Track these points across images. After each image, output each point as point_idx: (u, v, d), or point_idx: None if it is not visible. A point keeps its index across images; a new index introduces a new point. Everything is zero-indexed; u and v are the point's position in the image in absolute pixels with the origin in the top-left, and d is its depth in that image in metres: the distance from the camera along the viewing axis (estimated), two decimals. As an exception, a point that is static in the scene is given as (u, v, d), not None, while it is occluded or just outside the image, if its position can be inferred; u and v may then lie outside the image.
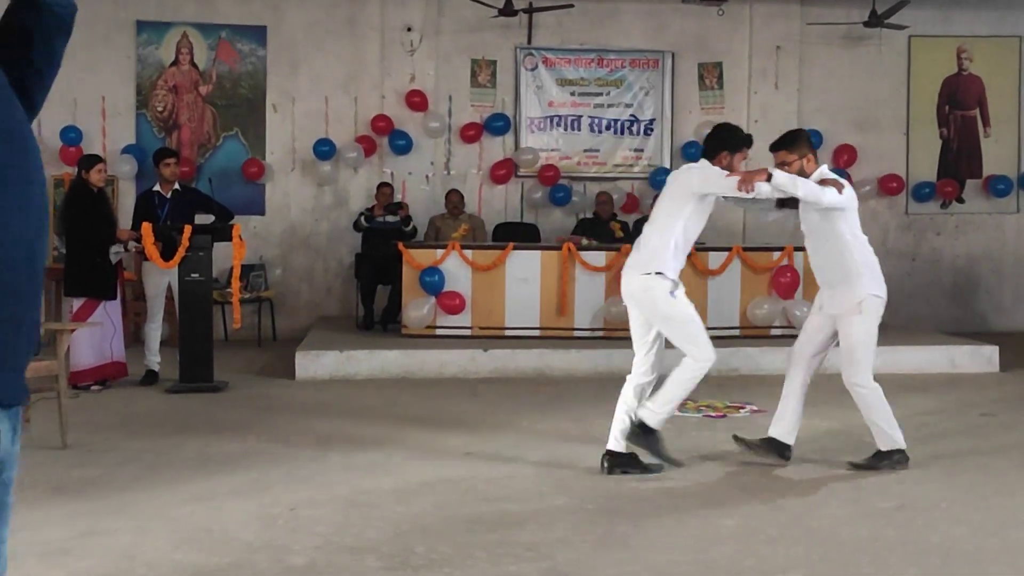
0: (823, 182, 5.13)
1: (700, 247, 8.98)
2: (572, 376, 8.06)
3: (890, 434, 5.16)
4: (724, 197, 5.16)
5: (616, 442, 5.12)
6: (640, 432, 5.01)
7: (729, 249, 8.98)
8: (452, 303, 8.71)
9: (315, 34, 10.57)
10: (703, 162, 5.17)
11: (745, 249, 9.10)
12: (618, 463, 5.10)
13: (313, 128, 10.53)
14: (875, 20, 9.96)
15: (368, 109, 10.62)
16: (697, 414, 6.65)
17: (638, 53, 10.97)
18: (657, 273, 5.01)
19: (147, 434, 6.01)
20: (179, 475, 5.04)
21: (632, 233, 10.06)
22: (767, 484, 4.92)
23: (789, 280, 8.92)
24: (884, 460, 5.14)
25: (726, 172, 5.05)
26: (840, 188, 5.09)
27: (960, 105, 11.32)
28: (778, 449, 5.28)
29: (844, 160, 10.84)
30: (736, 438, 5.37)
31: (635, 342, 5.15)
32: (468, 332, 8.77)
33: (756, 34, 10.95)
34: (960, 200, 11.27)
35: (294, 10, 10.55)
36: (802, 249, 8.96)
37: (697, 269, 8.70)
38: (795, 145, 5.28)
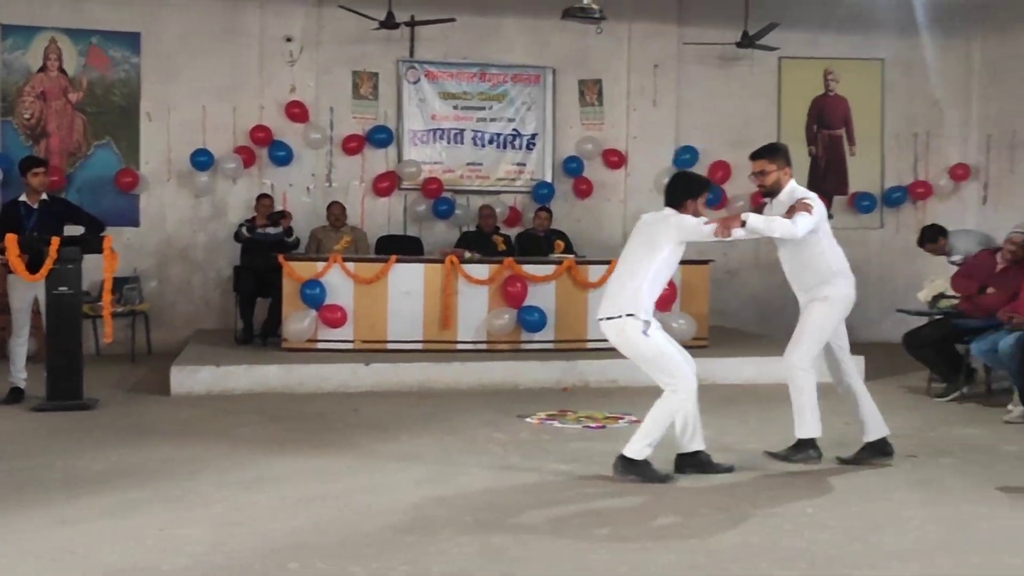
0: (793, 208, 5.35)
1: (581, 260, 9.15)
2: (455, 389, 8.07)
3: (813, 423, 5.44)
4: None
5: (689, 443, 5.34)
6: (625, 464, 5.18)
7: (608, 263, 9.11)
8: (333, 316, 8.63)
9: (191, 42, 10.35)
10: (670, 211, 5.31)
11: (624, 262, 9.25)
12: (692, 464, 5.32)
13: (190, 138, 10.31)
14: (747, 41, 10.29)
15: (247, 119, 10.46)
16: (577, 425, 6.73)
17: (520, 68, 11.08)
18: (628, 315, 5.16)
19: (12, 454, 5.76)
20: (46, 496, 4.85)
21: (514, 246, 10.17)
22: (642, 493, 5.01)
23: (667, 293, 9.09)
24: (801, 452, 5.45)
25: (703, 220, 5.26)
26: (810, 209, 5.33)
27: (827, 124, 11.79)
28: (881, 448, 5.58)
29: (720, 176, 11.15)
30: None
31: None
32: (350, 346, 8.69)
33: (634, 52, 11.20)
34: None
35: (169, 17, 10.32)
36: (681, 263, 9.31)
37: (576, 282, 8.84)
38: (775, 156, 5.53)
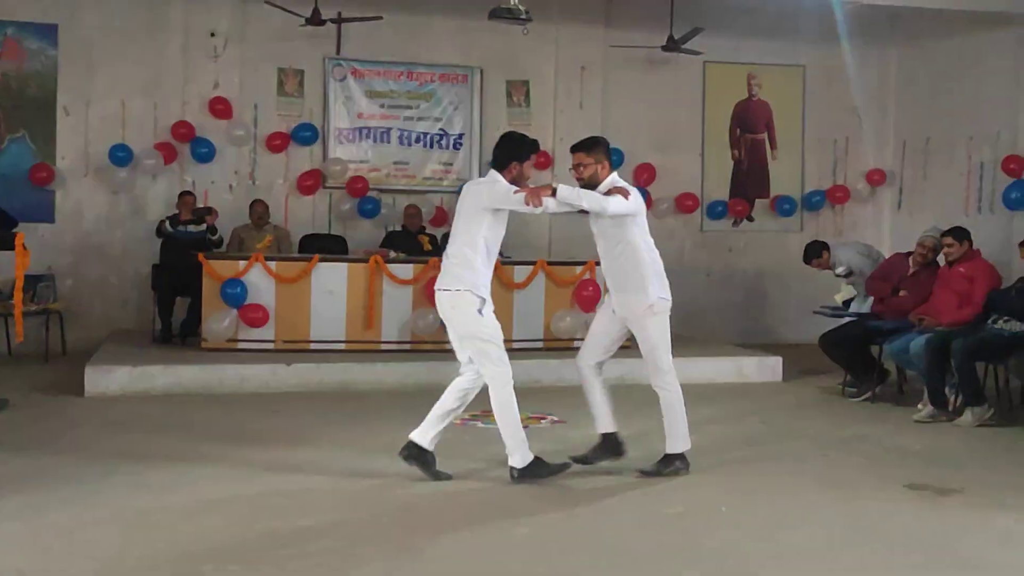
0: (611, 191, 5.28)
1: (506, 261, 9.15)
2: (378, 389, 8.03)
3: (681, 438, 5.41)
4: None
5: (422, 434, 5.22)
6: (521, 474, 5.14)
7: (534, 263, 9.18)
8: (255, 316, 8.52)
9: (112, 35, 10.14)
10: (493, 174, 5.26)
11: (549, 263, 9.32)
12: (415, 455, 5.23)
13: (109, 133, 10.09)
14: (672, 45, 10.41)
15: (169, 115, 10.27)
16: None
17: (448, 68, 11.07)
18: (465, 290, 5.11)
19: (-86, 456, 5.60)
20: (-52, 500, 4.73)
21: (440, 246, 10.15)
22: (561, 494, 5.05)
23: (591, 294, 9.18)
24: (669, 466, 5.39)
25: (514, 188, 5.16)
26: (626, 195, 5.25)
27: (750, 128, 12.00)
28: (612, 447, 5.50)
29: (644, 179, 11.27)
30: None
31: (457, 353, 5.30)
32: (271, 346, 8.60)
33: (562, 54, 11.26)
34: (750, 218, 11.93)
35: (89, 9, 10.09)
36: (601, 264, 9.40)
37: (503, 282, 8.84)
38: (593, 150, 5.43)
